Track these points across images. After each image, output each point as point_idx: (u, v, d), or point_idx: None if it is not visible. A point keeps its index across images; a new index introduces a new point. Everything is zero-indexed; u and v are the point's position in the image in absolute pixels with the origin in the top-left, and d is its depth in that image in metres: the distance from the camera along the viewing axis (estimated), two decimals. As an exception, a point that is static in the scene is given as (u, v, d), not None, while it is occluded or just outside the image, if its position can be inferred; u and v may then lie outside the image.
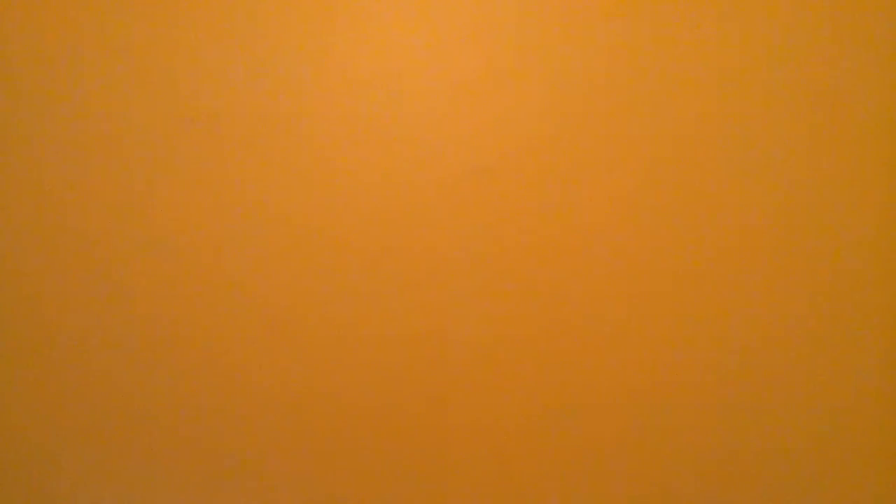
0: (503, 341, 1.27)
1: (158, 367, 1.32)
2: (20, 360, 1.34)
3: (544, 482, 1.27)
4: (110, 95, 1.32)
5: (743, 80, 1.24)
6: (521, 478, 1.27)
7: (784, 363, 1.24)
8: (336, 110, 1.29)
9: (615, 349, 1.26)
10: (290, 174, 1.30)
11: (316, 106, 1.29)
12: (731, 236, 1.24)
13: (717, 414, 1.25)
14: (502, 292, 1.27)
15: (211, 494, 1.32)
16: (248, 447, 1.31)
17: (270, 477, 1.31)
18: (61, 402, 1.34)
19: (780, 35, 1.23)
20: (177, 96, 1.31)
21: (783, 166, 1.24)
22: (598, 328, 1.26)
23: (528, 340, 1.27)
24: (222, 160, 1.31)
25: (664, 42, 1.25)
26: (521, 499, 1.27)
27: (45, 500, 1.35)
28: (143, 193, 1.32)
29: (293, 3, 1.29)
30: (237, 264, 1.31)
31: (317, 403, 1.30)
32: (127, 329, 1.32)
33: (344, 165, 1.29)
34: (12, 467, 1.35)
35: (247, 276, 1.30)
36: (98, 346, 1.33)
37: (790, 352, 1.24)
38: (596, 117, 1.25)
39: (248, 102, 1.30)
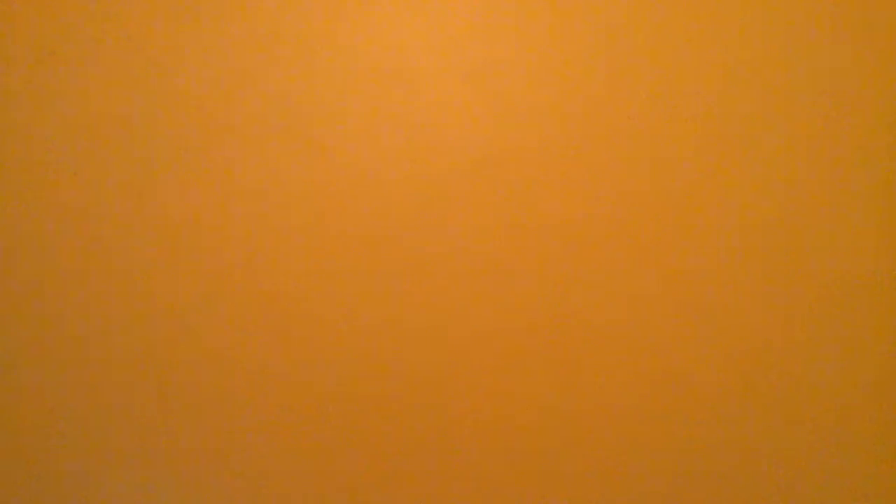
0: (511, 335, 1.27)
1: (160, 365, 1.32)
2: (22, 359, 1.34)
3: (549, 480, 1.27)
4: (118, 93, 1.32)
5: (746, 79, 1.24)
6: (526, 475, 1.27)
7: (787, 363, 1.24)
8: (345, 103, 1.29)
9: (622, 346, 1.26)
10: (298, 167, 1.30)
11: (325, 101, 1.29)
12: (735, 235, 1.24)
13: (721, 413, 1.25)
14: (512, 286, 1.27)
15: (214, 490, 1.32)
16: (253, 443, 1.31)
17: (275, 472, 1.31)
18: (64, 401, 1.34)
19: (781, 33, 1.24)
20: (183, 92, 1.31)
21: (785, 165, 1.24)
22: (605, 325, 1.26)
23: (536, 335, 1.27)
24: (230, 154, 1.31)
25: (672, 35, 1.25)
26: (525, 496, 1.27)
27: (45, 500, 1.34)
28: (150, 190, 1.32)
29: None
30: (246, 259, 1.31)
31: (323, 398, 1.30)
32: (129, 325, 1.32)
33: (353, 158, 1.29)
34: (12, 467, 1.35)
35: (256, 270, 1.30)
36: (100, 343, 1.33)
37: (793, 351, 1.24)
38: (605, 109, 1.25)
39: (256, 96, 1.30)
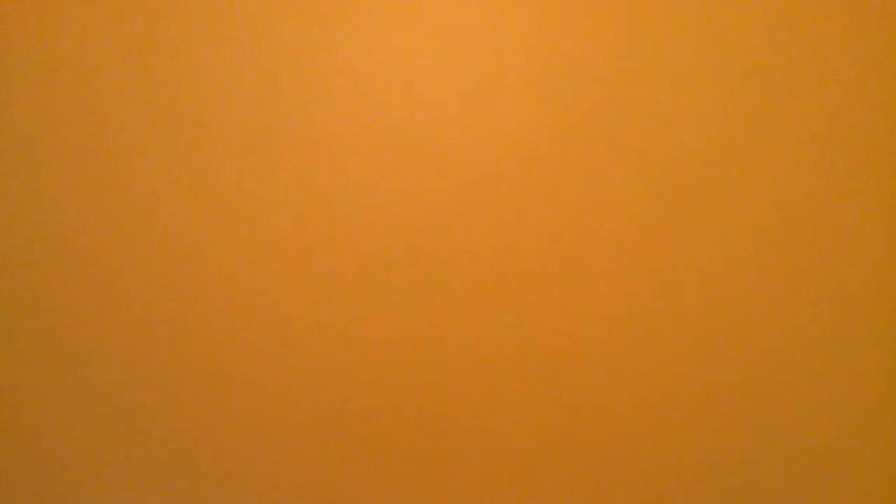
0: (512, 344, 1.27)
1: (161, 371, 1.32)
2: (22, 364, 1.33)
3: (549, 484, 1.27)
4: (116, 99, 1.32)
5: (749, 85, 1.24)
6: (526, 480, 1.27)
7: (786, 366, 1.24)
8: (346, 115, 1.29)
9: (622, 352, 1.26)
10: (298, 179, 1.29)
11: (326, 111, 1.29)
12: (736, 241, 1.25)
13: (721, 415, 1.25)
14: (512, 296, 1.27)
15: (214, 496, 1.31)
16: (252, 450, 1.31)
17: (275, 480, 1.31)
18: (64, 406, 1.33)
19: (781, 35, 1.24)
20: (184, 101, 1.31)
21: (786, 169, 1.24)
22: (606, 332, 1.26)
23: (537, 344, 1.27)
24: (230, 165, 1.30)
25: (672, 47, 1.25)
26: (526, 500, 1.27)
27: (46, 501, 1.34)
28: (148, 198, 1.31)
29: (303, 7, 1.29)
30: (244, 268, 1.30)
31: (324, 406, 1.30)
32: (130, 332, 1.32)
33: (353, 170, 1.29)
34: (13, 469, 1.34)
35: (254, 280, 1.30)
36: (101, 351, 1.32)
37: (792, 354, 1.24)
38: (607, 122, 1.26)
39: (257, 108, 1.30)
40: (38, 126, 1.33)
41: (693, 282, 1.25)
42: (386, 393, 1.29)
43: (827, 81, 1.24)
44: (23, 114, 1.33)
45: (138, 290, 1.31)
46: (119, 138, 1.32)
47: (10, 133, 1.33)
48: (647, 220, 1.25)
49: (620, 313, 1.26)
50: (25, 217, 1.33)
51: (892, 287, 1.23)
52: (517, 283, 1.27)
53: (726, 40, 1.25)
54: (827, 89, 1.24)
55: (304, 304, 1.29)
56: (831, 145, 1.24)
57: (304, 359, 1.30)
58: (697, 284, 1.25)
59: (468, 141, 1.27)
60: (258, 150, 1.30)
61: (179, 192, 1.31)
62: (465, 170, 1.27)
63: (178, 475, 1.32)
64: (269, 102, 1.30)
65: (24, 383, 1.33)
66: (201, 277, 1.31)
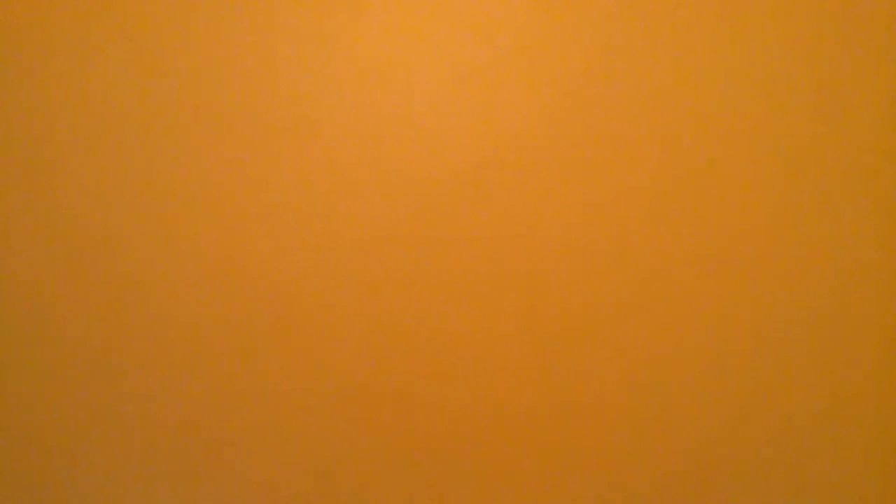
0: (505, 336, 1.27)
1: (162, 366, 1.32)
2: (24, 360, 1.34)
3: (543, 480, 1.28)
4: (116, 90, 1.32)
5: (744, 78, 1.24)
6: (519, 474, 1.28)
7: (784, 363, 1.24)
8: (341, 103, 1.29)
9: (616, 346, 1.26)
10: (293, 167, 1.30)
11: (321, 99, 1.29)
12: (731, 234, 1.24)
13: (717, 414, 1.25)
14: (507, 287, 1.27)
15: (214, 490, 1.32)
16: (252, 443, 1.31)
17: (273, 472, 1.31)
18: (65, 403, 1.34)
19: (782, 31, 1.24)
20: (181, 90, 1.31)
21: (784, 164, 1.24)
22: (599, 325, 1.26)
23: (530, 335, 1.27)
24: (227, 153, 1.31)
25: (668, 37, 1.25)
26: (520, 497, 1.28)
27: (48, 501, 1.35)
28: (149, 189, 1.32)
29: None
30: (241, 259, 1.31)
31: (321, 398, 1.30)
32: (130, 326, 1.33)
33: (348, 158, 1.29)
34: (14, 468, 1.35)
35: (251, 270, 1.31)
36: (102, 344, 1.33)
37: (791, 352, 1.24)
38: (603, 111, 1.26)
39: (252, 95, 1.30)
40: (35, 120, 1.34)
41: (689, 276, 1.25)
42: (384, 381, 1.29)
43: (827, 78, 1.23)
44: (19, 108, 1.34)
45: (138, 281, 1.32)
46: (115, 129, 1.32)
47: (9, 129, 1.34)
48: (642, 211, 1.25)
49: (616, 305, 1.26)
50: (29, 211, 1.34)
51: (891, 285, 1.22)
52: (515, 273, 1.27)
53: (725, 32, 1.24)
54: (826, 87, 1.23)
55: (298, 291, 1.30)
56: (830, 143, 1.23)
57: (300, 349, 1.30)
58: (693, 279, 1.25)
59: (463, 132, 1.27)
60: (253, 136, 1.30)
61: (177, 181, 1.31)
62: (463, 157, 1.27)
63: (183, 462, 1.32)
64: (265, 89, 1.30)
65: (23, 380, 1.34)
66: (201, 265, 1.31)
